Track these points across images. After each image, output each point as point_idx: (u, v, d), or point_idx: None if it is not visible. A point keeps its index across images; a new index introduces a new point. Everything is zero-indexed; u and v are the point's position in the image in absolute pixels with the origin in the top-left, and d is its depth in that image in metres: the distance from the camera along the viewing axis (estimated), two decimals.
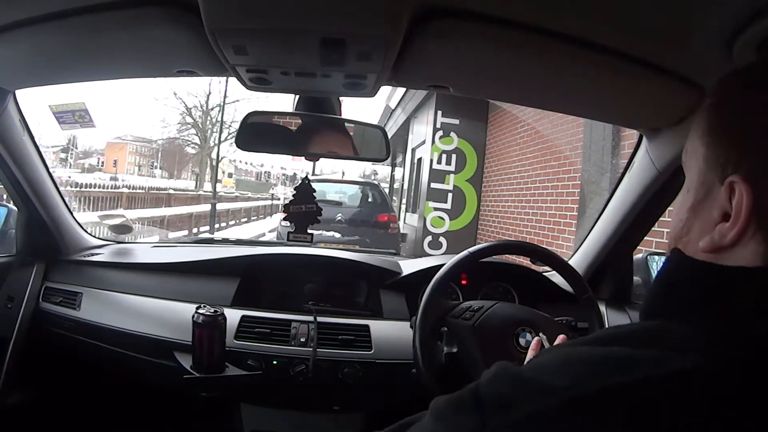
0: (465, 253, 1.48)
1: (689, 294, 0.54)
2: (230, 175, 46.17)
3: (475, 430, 0.47)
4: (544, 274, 1.87)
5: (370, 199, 9.34)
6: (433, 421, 0.53)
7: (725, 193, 0.51)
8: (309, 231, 1.58)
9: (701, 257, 0.54)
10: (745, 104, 0.52)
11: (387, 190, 13.92)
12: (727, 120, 0.54)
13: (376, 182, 11.30)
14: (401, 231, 9.72)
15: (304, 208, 1.56)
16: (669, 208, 1.55)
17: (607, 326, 1.57)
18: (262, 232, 15.32)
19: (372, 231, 8.33)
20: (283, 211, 1.57)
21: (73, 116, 2.34)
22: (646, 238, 1.68)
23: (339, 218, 8.10)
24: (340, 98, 1.36)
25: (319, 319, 1.63)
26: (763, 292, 0.48)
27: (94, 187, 12.94)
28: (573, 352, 0.50)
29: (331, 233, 7.43)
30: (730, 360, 0.44)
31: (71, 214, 1.90)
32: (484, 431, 0.46)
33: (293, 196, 1.57)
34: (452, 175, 8.57)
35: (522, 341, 1.33)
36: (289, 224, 1.59)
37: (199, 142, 30.91)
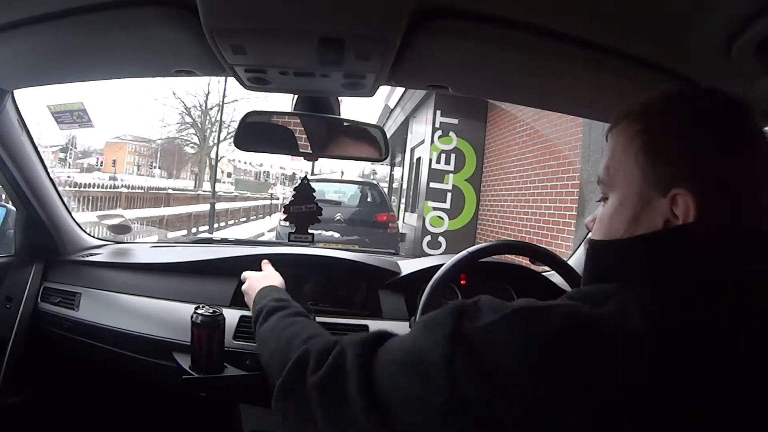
0: (464, 253, 1.48)
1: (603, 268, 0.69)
2: (229, 175, 46.21)
3: (453, 328, 0.60)
4: (543, 274, 1.87)
5: (369, 199, 9.42)
6: (420, 329, 0.66)
7: (668, 204, 0.61)
8: (310, 231, 1.58)
9: None
10: (680, 131, 0.64)
11: (386, 190, 14.27)
12: (665, 144, 0.64)
13: (375, 182, 11.44)
14: (400, 231, 9.78)
15: (304, 209, 1.56)
16: None
17: None
18: (261, 232, 15.34)
19: (371, 231, 8.40)
20: (283, 212, 1.57)
21: (71, 116, 2.34)
22: None
23: (338, 218, 8.18)
24: (339, 98, 1.36)
25: (318, 318, 1.62)
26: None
27: (93, 187, 12.94)
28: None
29: (330, 233, 7.45)
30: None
31: (70, 214, 1.89)
32: (460, 330, 0.59)
33: (293, 196, 1.57)
34: (451, 175, 8.57)
35: None
36: (288, 224, 1.59)
37: (198, 142, 30.98)
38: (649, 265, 0.62)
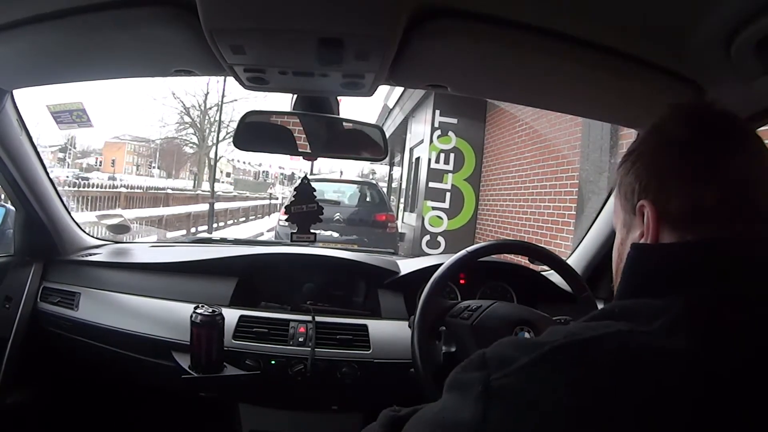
0: (463, 252, 1.48)
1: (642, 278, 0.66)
2: (228, 175, 46.19)
3: (481, 383, 0.54)
4: (543, 273, 1.87)
5: (368, 199, 9.35)
6: (446, 392, 0.60)
7: (639, 218, 0.67)
8: (311, 231, 1.57)
9: None
10: (645, 149, 0.69)
11: (385, 190, 14.19)
12: (631, 167, 0.69)
13: (374, 182, 11.31)
14: (399, 230, 9.68)
15: (305, 208, 1.56)
16: None
17: None
18: (261, 232, 15.34)
19: (370, 230, 8.36)
20: (284, 212, 1.57)
21: (70, 116, 2.34)
22: None
23: (337, 218, 8.12)
24: (338, 98, 1.36)
25: (318, 318, 1.63)
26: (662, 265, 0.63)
27: (92, 187, 12.92)
28: (562, 326, 0.60)
29: (329, 233, 7.47)
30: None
31: (69, 213, 1.90)
32: (488, 383, 0.53)
33: (294, 196, 1.57)
34: (450, 175, 8.57)
35: None
36: (287, 224, 1.59)
37: (197, 142, 30.94)
38: (697, 276, 0.60)
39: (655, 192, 0.65)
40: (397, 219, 10.03)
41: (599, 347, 0.53)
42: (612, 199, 0.73)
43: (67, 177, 15.45)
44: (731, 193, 0.62)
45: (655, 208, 0.64)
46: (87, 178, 12.62)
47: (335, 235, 7.56)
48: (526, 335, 1.33)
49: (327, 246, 2.21)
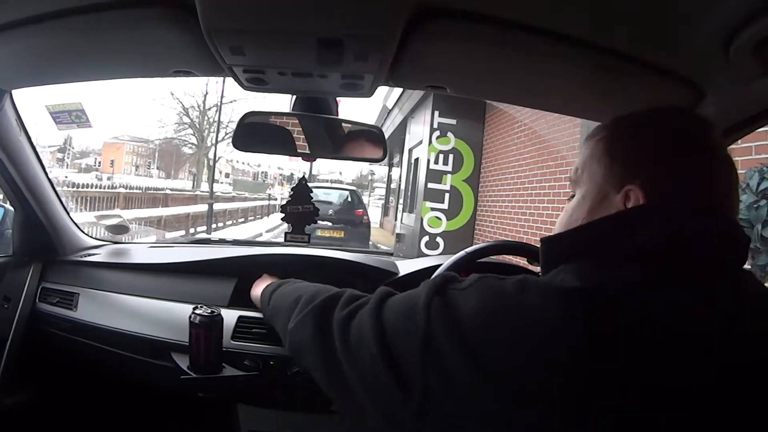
0: (462, 253, 1.48)
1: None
2: (227, 175, 46.18)
3: (439, 285, 0.75)
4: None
5: (350, 200, 12.85)
6: (416, 289, 0.80)
7: (621, 198, 0.74)
8: (306, 232, 1.58)
9: None
10: (634, 139, 0.77)
11: (384, 191, 19.04)
12: (622, 149, 0.77)
13: (354, 188, 15.06)
14: (398, 231, 11.74)
15: (301, 209, 1.56)
16: None
17: None
18: (260, 232, 15.34)
19: (352, 220, 11.88)
20: (281, 212, 1.57)
21: (69, 116, 2.34)
22: None
23: (330, 213, 11.60)
24: (337, 98, 1.36)
25: None
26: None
27: (91, 187, 12.92)
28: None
29: (325, 222, 11.05)
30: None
31: (68, 214, 1.89)
32: (444, 287, 0.74)
33: (290, 196, 1.57)
34: (449, 176, 8.59)
35: None
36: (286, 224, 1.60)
37: (196, 142, 30.95)
38: (592, 246, 0.73)
39: (644, 179, 0.72)
40: (395, 218, 13.87)
41: (507, 281, 0.71)
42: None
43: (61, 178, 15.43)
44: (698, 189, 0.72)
45: (644, 195, 0.72)
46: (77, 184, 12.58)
47: (329, 224, 11.17)
48: None
49: (325, 246, 2.21)
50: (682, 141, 0.74)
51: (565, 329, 0.61)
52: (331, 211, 11.66)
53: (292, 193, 1.57)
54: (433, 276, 1.43)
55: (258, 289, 1.46)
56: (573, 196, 0.85)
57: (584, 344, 0.60)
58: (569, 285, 0.66)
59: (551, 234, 0.83)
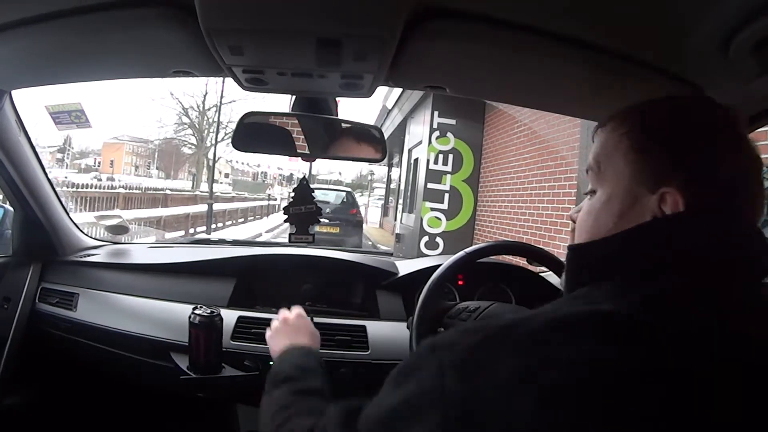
0: (461, 253, 1.48)
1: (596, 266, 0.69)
2: (227, 175, 46.17)
3: (436, 370, 0.58)
4: (541, 274, 1.88)
5: (345, 200, 14.12)
6: (394, 387, 0.66)
7: (656, 201, 0.64)
8: (310, 232, 1.58)
9: None
10: (669, 131, 0.67)
11: (384, 191, 19.98)
12: (657, 144, 0.66)
13: (349, 189, 16.14)
14: (398, 231, 11.65)
15: (303, 209, 1.56)
16: None
17: None
18: (259, 233, 15.33)
19: (347, 218, 13.19)
20: (284, 213, 1.57)
21: (69, 116, 2.34)
22: None
23: (328, 211, 12.57)
24: (337, 99, 1.36)
25: (316, 319, 1.62)
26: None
27: (91, 188, 12.90)
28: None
29: (323, 219, 10.11)
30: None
31: (67, 214, 1.89)
32: (442, 371, 0.57)
33: (292, 197, 1.57)
34: (449, 176, 8.59)
35: None
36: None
37: (195, 143, 30.92)
38: (633, 262, 0.64)
39: (681, 179, 0.64)
40: (395, 219, 14.60)
41: (531, 321, 0.59)
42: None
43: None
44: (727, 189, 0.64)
45: (684, 201, 0.63)
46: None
47: (326, 221, 12.20)
48: None
49: (324, 247, 2.21)
50: (717, 134, 0.66)
51: (625, 374, 0.52)
52: (328, 210, 12.64)
53: (293, 194, 1.57)
54: (424, 299, 1.42)
55: (276, 346, 1.21)
56: (593, 192, 0.73)
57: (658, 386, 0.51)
58: (605, 308, 0.57)
59: (582, 242, 0.73)
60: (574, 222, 0.78)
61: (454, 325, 1.39)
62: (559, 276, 1.54)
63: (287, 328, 1.25)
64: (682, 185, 0.63)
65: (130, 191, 14.53)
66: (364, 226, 16.25)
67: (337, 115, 1.36)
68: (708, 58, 0.92)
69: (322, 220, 1.59)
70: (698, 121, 0.67)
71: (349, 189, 16.59)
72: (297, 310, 1.31)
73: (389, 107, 12.92)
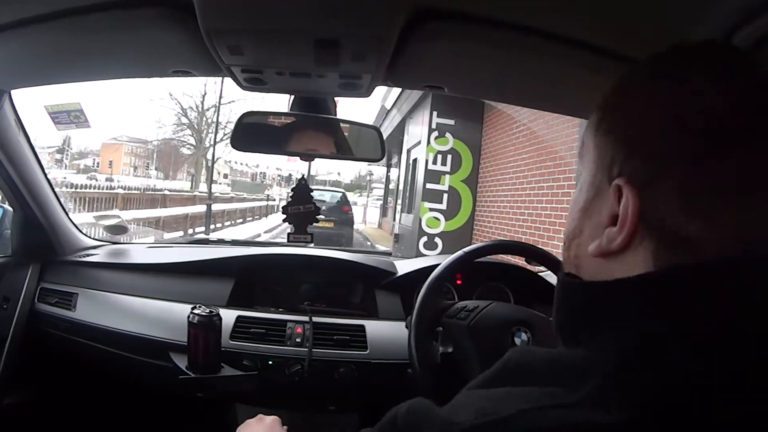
0: (460, 252, 1.48)
1: (576, 320, 0.52)
2: (225, 176, 46.12)
3: None
4: (540, 274, 1.88)
5: (339, 199, 15.68)
6: None
7: (614, 195, 0.48)
8: (308, 231, 1.58)
9: (591, 263, 0.52)
10: (633, 101, 0.52)
11: (383, 191, 21.07)
12: (614, 118, 0.53)
13: (342, 191, 17.69)
14: (396, 231, 12.02)
15: (302, 209, 1.56)
16: None
17: None
18: (258, 233, 15.35)
19: (340, 215, 14.42)
20: (282, 213, 1.57)
21: (68, 116, 2.34)
22: None
23: (324, 209, 12.40)
24: (335, 98, 1.36)
25: (315, 319, 1.63)
26: (649, 300, 0.45)
27: (89, 188, 12.88)
28: (479, 393, 0.49)
29: (320, 216, 11.60)
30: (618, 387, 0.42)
31: (67, 214, 1.89)
32: None
33: (291, 197, 1.57)
34: (447, 176, 8.61)
35: (517, 341, 1.34)
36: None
37: (194, 143, 30.88)
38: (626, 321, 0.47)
39: (647, 177, 0.47)
40: (394, 219, 15.23)
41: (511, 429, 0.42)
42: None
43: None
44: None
45: (638, 202, 0.47)
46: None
47: (322, 217, 11.82)
48: (523, 336, 1.34)
49: (324, 246, 2.21)
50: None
51: None
52: (324, 207, 13.47)
53: (292, 193, 1.58)
54: (422, 298, 1.41)
55: None
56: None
57: None
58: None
59: (574, 280, 0.57)
60: None
61: (453, 324, 1.39)
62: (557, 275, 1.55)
63: (260, 427, 1.19)
64: (633, 176, 0.48)
65: (129, 191, 14.52)
66: (363, 226, 20.07)
67: (335, 115, 1.36)
68: None
69: (321, 217, 1.59)
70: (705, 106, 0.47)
71: (342, 191, 18.31)
72: (275, 417, 1.23)
73: (388, 107, 12.94)
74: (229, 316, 1.59)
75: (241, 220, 19.50)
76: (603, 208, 0.50)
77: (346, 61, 1.02)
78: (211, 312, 1.46)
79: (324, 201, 14.53)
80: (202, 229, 14.66)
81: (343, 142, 1.42)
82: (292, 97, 1.35)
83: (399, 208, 13.30)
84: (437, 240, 8.54)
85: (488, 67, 1.11)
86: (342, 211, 15.11)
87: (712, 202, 0.44)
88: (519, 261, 1.74)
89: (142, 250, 2.09)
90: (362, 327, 1.66)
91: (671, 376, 0.41)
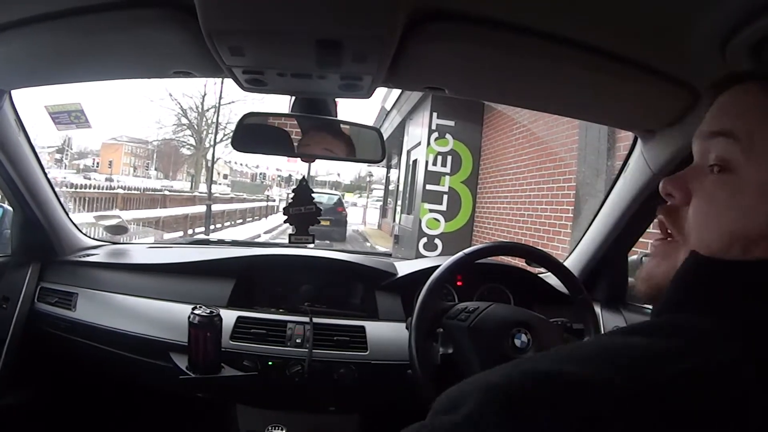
0: (460, 254, 1.48)
1: (709, 289, 0.49)
2: (225, 176, 46.12)
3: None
4: (540, 275, 1.88)
5: (335, 200, 17.93)
6: None
7: None
8: (310, 232, 1.58)
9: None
10: None
11: (383, 192, 23.48)
12: None
13: (338, 193, 20.39)
14: (396, 233, 12.11)
15: (303, 210, 1.56)
16: None
17: (602, 327, 1.58)
18: (258, 234, 15.35)
19: (336, 215, 16.36)
20: (283, 214, 1.57)
21: (69, 117, 2.34)
22: (641, 239, 1.68)
23: (322, 209, 13.09)
24: (336, 99, 1.37)
25: (315, 320, 1.63)
26: None
27: (89, 188, 12.88)
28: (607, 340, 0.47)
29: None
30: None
31: (67, 214, 1.89)
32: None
33: (292, 198, 1.57)
34: (447, 177, 8.60)
35: (517, 342, 1.34)
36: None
37: (194, 144, 30.88)
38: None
39: None
40: (394, 220, 15.29)
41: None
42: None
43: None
44: None
45: None
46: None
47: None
48: (523, 337, 1.34)
49: (324, 247, 2.22)
50: None
51: None
52: (322, 208, 15.04)
53: (293, 194, 1.57)
54: (422, 299, 1.41)
55: None
56: (719, 168, 0.52)
57: None
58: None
59: (711, 256, 0.51)
60: (665, 220, 0.58)
61: (453, 326, 1.39)
62: (558, 277, 1.55)
63: None
64: None
65: (129, 191, 14.51)
66: (363, 227, 23.26)
67: (336, 116, 1.36)
68: (705, 59, 0.92)
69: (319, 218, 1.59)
70: None
71: (339, 194, 21.39)
72: None
73: (388, 108, 12.93)
74: (229, 317, 1.59)
75: (241, 221, 19.49)
76: None
77: (348, 62, 1.02)
78: (211, 312, 1.47)
79: (321, 202, 14.97)
80: (202, 229, 14.65)
81: (343, 143, 1.42)
82: (293, 98, 1.35)
83: (399, 209, 13.21)
84: (437, 241, 8.53)
85: (489, 68, 1.11)
86: (337, 211, 17.15)
87: None
88: (519, 262, 1.74)
89: (142, 251, 2.09)
90: (362, 328, 1.66)
91: None
